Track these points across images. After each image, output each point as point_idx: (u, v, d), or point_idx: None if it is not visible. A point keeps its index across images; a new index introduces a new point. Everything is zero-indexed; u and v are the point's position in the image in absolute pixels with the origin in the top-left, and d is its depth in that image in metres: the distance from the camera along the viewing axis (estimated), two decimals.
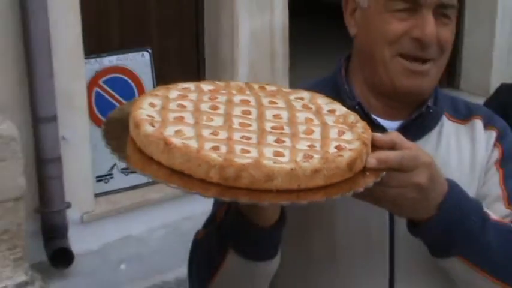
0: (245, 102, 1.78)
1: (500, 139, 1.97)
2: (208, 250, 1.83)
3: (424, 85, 1.88)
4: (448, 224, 1.69)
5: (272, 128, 1.67)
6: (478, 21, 6.39)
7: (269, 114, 1.73)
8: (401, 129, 1.88)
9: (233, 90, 1.83)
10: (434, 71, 1.88)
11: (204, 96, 1.78)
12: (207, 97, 1.78)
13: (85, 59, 4.69)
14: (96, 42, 4.89)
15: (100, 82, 4.84)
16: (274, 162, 1.52)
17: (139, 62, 4.93)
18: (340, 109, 1.79)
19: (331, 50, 5.56)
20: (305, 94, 1.86)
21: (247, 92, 1.84)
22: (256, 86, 1.88)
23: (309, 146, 1.61)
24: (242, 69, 5.08)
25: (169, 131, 1.60)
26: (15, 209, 4.18)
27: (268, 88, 1.88)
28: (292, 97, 1.84)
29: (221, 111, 1.72)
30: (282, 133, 1.65)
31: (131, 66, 4.94)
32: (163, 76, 5.06)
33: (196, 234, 1.90)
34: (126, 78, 4.93)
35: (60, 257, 4.55)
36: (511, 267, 1.78)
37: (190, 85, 1.85)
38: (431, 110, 1.93)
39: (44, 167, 4.51)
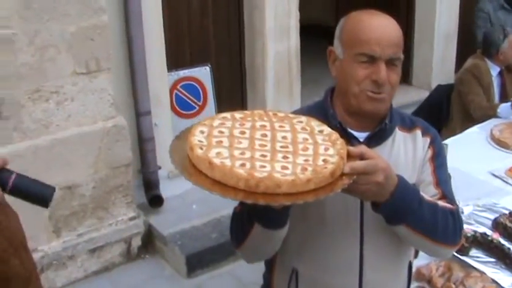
0: (263, 127, 1.80)
1: (432, 142, 2.04)
2: (241, 222, 1.88)
3: (381, 108, 1.93)
4: (397, 205, 1.78)
5: (281, 147, 1.71)
6: (423, 39, 6.49)
7: (279, 136, 1.77)
8: (368, 138, 1.97)
9: (256, 117, 1.84)
10: (388, 99, 1.93)
11: (236, 123, 1.80)
12: (238, 124, 1.80)
13: (168, 72, 4.77)
14: (175, 60, 4.94)
15: (178, 87, 4.95)
16: (282, 175, 1.58)
17: (203, 73, 5.04)
18: (327, 129, 1.82)
19: None
20: (303, 118, 1.87)
21: (265, 118, 1.85)
22: (271, 113, 1.89)
23: (305, 160, 1.66)
24: (270, 77, 5.11)
25: (212, 153, 1.64)
26: (126, 171, 4.34)
27: (279, 114, 1.89)
28: (295, 121, 1.85)
29: (247, 135, 1.75)
30: (287, 151, 1.70)
31: (198, 76, 5.03)
32: (219, 82, 5.09)
33: (235, 209, 1.93)
34: (195, 84, 5.03)
35: (155, 200, 4.65)
36: (437, 229, 1.87)
37: (227, 115, 1.84)
38: (387, 126, 1.98)
39: (143, 144, 4.65)
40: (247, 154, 1.65)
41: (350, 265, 1.98)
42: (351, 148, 1.74)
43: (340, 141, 1.75)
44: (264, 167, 1.60)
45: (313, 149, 1.71)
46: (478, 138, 4.11)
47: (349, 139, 1.90)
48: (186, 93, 4.92)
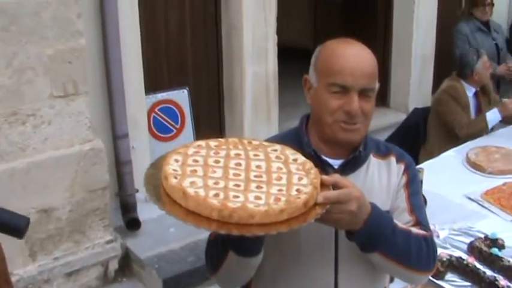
0: (238, 155, 1.80)
1: (407, 169, 2.04)
2: (216, 249, 1.88)
3: (354, 138, 1.93)
4: (370, 233, 1.78)
5: (255, 176, 1.71)
6: (399, 63, 6.56)
7: (253, 165, 1.76)
8: (342, 165, 1.98)
9: (230, 146, 1.84)
10: (362, 129, 1.93)
11: (211, 152, 1.80)
12: (213, 152, 1.80)
13: (146, 94, 4.75)
14: (153, 82, 4.96)
15: (156, 110, 4.94)
16: (255, 206, 1.58)
17: (181, 96, 5.05)
18: (301, 158, 1.82)
19: None
20: (277, 147, 1.87)
21: (240, 147, 1.85)
22: (245, 141, 1.88)
23: (278, 190, 1.66)
24: (247, 100, 5.13)
25: (186, 182, 1.63)
26: (103, 194, 4.31)
27: (254, 142, 1.88)
28: (269, 149, 1.85)
29: (221, 164, 1.75)
30: (260, 181, 1.69)
31: (176, 99, 5.04)
32: (196, 104, 5.10)
33: (210, 235, 1.92)
34: (173, 107, 5.03)
35: (133, 224, 4.63)
36: (410, 256, 1.87)
37: (202, 143, 1.84)
38: (361, 153, 1.99)
39: (121, 167, 4.62)
40: (221, 184, 1.65)
41: None
42: (325, 177, 1.74)
43: (314, 171, 1.75)
44: (238, 197, 1.60)
45: (286, 178, 1.71)
46: (453, 161, 4.14)
47: (324, 166, 1.91)
48: (164, 116, 4.92)
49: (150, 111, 4.85)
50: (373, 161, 2.03)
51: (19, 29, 3.72)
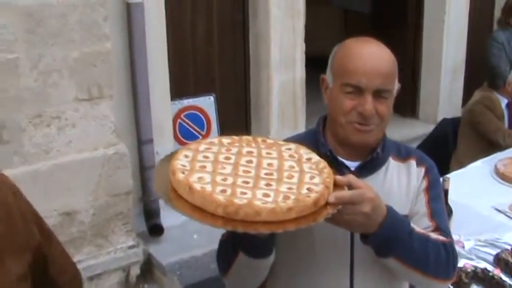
0: (250, 153, 1.76)
1: (427, 173, 2.00)
2: (226, 249, 1.85)
3: (369, 139, 1.89)
4: (385, 236, 1.73)
5: (265, 174, 1.67)
6: (429, 74, 6.44)
7: (265, 163, 1.72)
8: (359, 167, 1.94)
9: (243, 143, 1.81)
10: (377, 131, 1.90)
11: (222, 149, 1.76)
12: (225, 149, 1.76)
13: (173, 101, 4.74)
14: (179, 89, 4.93)
15: (182, 116, 4.91)
16: (262, 203, 1.53)
17: (207, 103, 5.01)
18: (315, 157, 1.78)
19: None
20: (292, 146, 1.84)
21: (253, 145, 1.81)
22: (259, 140, 1.85)
23: (288, 188, 1.62)
24: (274, 108, 5.08)
25: (194, 178, 1.60)
26: (126, 199, 4.28)
27: (268, 141, 1.85)
28: (283, 148, 1.81)
29: (232, 161, 1.71)
30: (271, 178, 1.65)
31: (202, 106, 5.00)
32: (223, 112, 5.05)
33: (222, 236, 1.89)
34: (198, 113, 4.99)
35: (155, 229, 4.58)
36: (428, 263, 1.81)
37: (215, 140, 1.82)
38: (379, 156, 1.93)
39: (144, 172, 4.57)
40: (230, 180, 1.62)
41: None
42: (338, 177, 1.70)
43: (327, 170, 1.71)
44: (245, 193, 1.56)
45: (298, 177, 1.67)
46: (482, 172, 4.03)
47: (340, 168, 1.86)
48: (190, 123, 4.89)
49: (175, 117, 4.82)
50: (392, 163, 1.97)
51: (45, 32, 3.71)
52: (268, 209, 1.50)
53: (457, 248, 2.90)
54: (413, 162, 1.99)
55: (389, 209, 1.73)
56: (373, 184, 1.86)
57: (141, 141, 4.41)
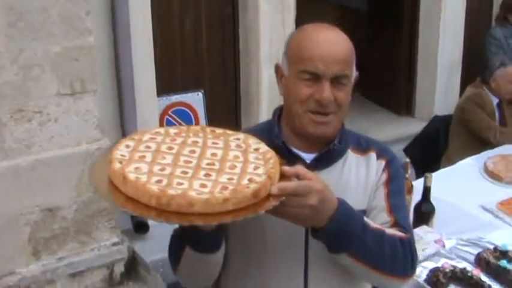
0: (195, 143, 1.69)
1: (388, 166, 1.90)
2: (175, 244, 1.80)
3: (327, 131, 1.82)
4: (336, 231, 1.65)
5: (206, 164, 1.60)
6: (425, 71, 6.32)
7: (209, 153, 1.65)
8: (315, 160, 1.86)
9: (190, 133, 1.74)
10: (335, 121, 1.82)
11: (167, 139, 1.69)
12: (169, 139, 1.69)
13: (159, 96, 4.68)
14: (167, 85, 4.84)
15: (170, 112, 4.84)
16: (197, 193, 1.46)
17: (195, 99, 4.93)
18: (263, 147, 1.70)
19: None
20: (241, 135, 1.76)
21: (200, 135, 1.74)
22: (208, 130, 1.77)
23: (228, 178, 1.54)
24: (264, 103, 4.98)
25: (130, 168, 1.53)
26: None
27: (217, 131, 1.77)
28: (231, 138, 1.73)
29: (174, 151, 1.64)
30: (211, 168, 1.58)
31: (190, 102, 4.91)
32: (212, 108, 4.97)
33: (173, 231, 1.84)
34: (187, 110, 4.90)
35: (141, 227, 4.49)
36: (383, 259, 1.72)
37: (161, 129, 1.75)
38: (335, 148, 1.85)
39: None
40: (167, 170, 1.55)
41: None
42: (286, 168, 1.62)
43: (273, 160, 1.62)
44: (181, 184, 1.50)
45: (241, 167, 1.59)
46: (471, 170, 3.93)
47: (294, 160, 1.77)
48: (178, 119, 4.80)
49: (163, 114, 4.74)
50: (350, 156, 1.89)
51: (26, 25, 3.64)
52: (202, 200, 1.44)
53: (436, 248, 2.85)
54: (373, 155, 1.90)
55: (341, 202, 1.65)
56: (330, 177, 1.80)
57: (126, 136, 4.31)
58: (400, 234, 1.76)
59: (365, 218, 1.72)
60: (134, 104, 4.29)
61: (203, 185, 1.50)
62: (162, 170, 1.54)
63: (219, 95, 5.15)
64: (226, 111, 5.22)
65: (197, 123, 4.86)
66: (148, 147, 1.63)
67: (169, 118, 4.77)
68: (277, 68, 1.88)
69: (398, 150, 4.86)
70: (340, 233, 1.64)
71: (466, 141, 4.63)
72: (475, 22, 6.43)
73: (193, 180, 1.51)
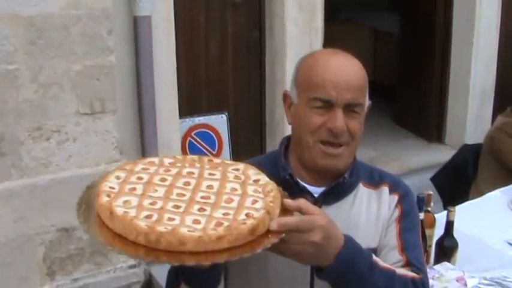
0: (190, 174, 1.55)
1: (401, 201, 1.77)
2: (170, 278, 1.66)
3: (338, 164, 1.70)
4: (342, 270, 1.50)
5: (201, 197, 1.46)
6: (457, 98, 6.09)
7: (204, 184, 1.51)
8: (324, 194, 1.74)
9: (186, 164, 1.60)
10: (347, 153, 1.70)
11: (161, 169, 1.55)
12: (163, 170, 1.55)
13: (182, 118, 4.58)
14: (191, 107, 4.76)
15: (192, 134, 4.71)
16: (189, 230, 1.33)
17: (219, 121, 4.79)
18: (264, 179, 1.56)
19: None
20: (240, 166, 1.61)
21: (197, 165, 1.60)
22: (206, 159, 1.64)
23: (224, 214, 1.40)
24: (289, 129, 4.76)
25: (119, 201, 1.41)
26: None
27: (215, 161, 1.63)
28: (230, 168, 1.59)
29: (167, 182, 1.50)
30: (206, 202, 1.44)
31: (214, 124, 4.78)
32: (236, 131, 4.86)
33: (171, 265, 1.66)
34: (210, 132, 4.77)
35: None
36: None
37: (155, 159, 1.60)
38: (345, 181, 1.72)
39: None
40: (159, 204, 1.42)
41: None
42: (288, 201, 1.48)
43: (273, 193, 1.48)
44: (173, 219, 1.36)
45: (238, 201, 1.45)
46: (498, 203, 3.71)
47: (302, 194, 1.63)
48: (201, 141, 4.69)
49: (186, 135, 4.63)
50: (362, 190, 1.76)
51: (46, 43, 3.59)
52: (194, 238, 1.31)
53: (459, 286, 2.66)
54: (385, 189, 1.78)
55: (347, 239, 1.51)
56: (339, 213, 1.67)
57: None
58: (412, 274, 1.62)
59: (374, 257, 1.57)
60: (155, 125, 4.19)
61: (196, 221, 1.37)
62: (153, 204, 1.42)
63: (244, 118, 5.03)
64: (251, 136, 5.09)
65: (220, 146, 4.75)
66: (140, 178, 1.51)
67: (192, 140, 4.66)
68: (285, 96, 1.76)
69: (427, 178, 4.68)
70: (346, 272, 1.50)
71: (496, 172, 4.40)
72: (510, 48, 6.21)
73: (185, 215, 1.39)
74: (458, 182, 4.54)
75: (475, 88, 5.92)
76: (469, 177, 4.60)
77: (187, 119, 4.62)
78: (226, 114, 4.76)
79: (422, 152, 6.06)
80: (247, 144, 5.04)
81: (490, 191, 3.98)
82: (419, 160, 5.79)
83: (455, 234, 2.96)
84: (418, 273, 1.63)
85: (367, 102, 1.71)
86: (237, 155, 4.81)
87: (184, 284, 1.55)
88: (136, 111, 4.19)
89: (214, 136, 4.73)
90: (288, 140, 1.81)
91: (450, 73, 6.05)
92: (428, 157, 5.90)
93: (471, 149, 4.72)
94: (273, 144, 5.02)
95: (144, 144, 4.20)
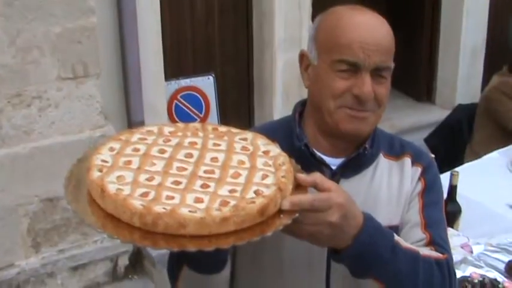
0: (193, 144, 1.40)
1: (424, 174, 1.63)
2: (172, 259, 1.55)
3: (363, 129, 1.55)
4: (361, 252, 1.36)
5: (205, 171, 1.31)
6: (447, 57, 5.93)
7: (208, 157, 1.36)
8: (342, 166, 1.59)
9: (188, 132, 1.45)
10: (373, 119, 1.56)
11: (160, 139, 1.40)
12: (163, 140, 1.41)
13: (168, 80, 4.40)
14: (177, 69, 4.59)
15: (178, 97, 4.54)
16: (190, 211, 1.18)
17: (206, 83, 4.62)
18: (274, 150, 1.41)
19: None
20: (249, 135, 1.46)
21: (200, 134, 1.45)
22: (210, 128, 1.48)
23: (230, 191, 1.25)
24: (278, 89, 4.69)
25: (112, 177, 1.26)
26: None
27: (220, 129, 1.48)
28: (237, 138, 1.44)
29: (167, 154, 1.35)
30: (209, 178, 1.29)
31: (200, 86, 4.60)
32: (223, 93, 4.70)
33: None
34: (197, 94, 4.60)
35: None
36: (415, 286, 1.43)
37: (154, 128, 1.45)
38: (366, 152, 1.58)
39: None
40: (156, 180, 1.27)
41: None
42: (302, 176, 1.33)
43: (286, 167, 1.33)
44: (172, 198, 1.21)
45: (246, 175, 1.30)
46: (497, 164, 3.62)
47: (319, 166, 1.49)
48: (187, 104, 4.52)
49: (172, 98, 4.46)
50: (382, 161, 1.63)
51: (24, 5, 3.39)
52: (195, 220, 1.16)
53: (464, 254, 2.57)
54: (407, 161, 1.63)
55: (367, 218, 1.37)
56: (358, 186, 1.55)
57: (132, 123, 4.03)
58: (436, 255, 1.49)
59: (396, 237, 1.44)
60: (140, 89, 4.01)
61: (198, 200, 1.22)
62: (150, 179, 1.27)
63: (231, 80, 4.87)
64: (238, 98, 4.93)
65: (207, 109, 4.59)
66: (137, 149, 1.36)
67: (179, 103, 4.50)
68: (302, 56, 1.60)
69: (418, 139, 4.57)
70: (366, 255, 1.36)
71: (492, 132, 4.31)
72: (501, 5, 6.07)
73: (186, 193, 1.23)
74: (452, 143, 4.45)
75: (466, 45, 5.79)
76: (464, 138, 4.50)
77: (173, 82, 4.44)
78: (213, 75, 4.59)
79: (412, 112, 5.95)
80: (235, 107, 4.89)
81: (485, 152, 3.89)
82: (410, 120, 5.68)
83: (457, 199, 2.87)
84: (442, 253, 1.51)
85: (392, 66, 1.57)
86: (225, 118, 4.67)
87: (187, 267, 1.43)
88: (120, 75, 4.00)
89: (201, 99, 4.57)
90: (302, 105, 1.66)
91: (440, 31, 5.91)
92: (419, 117, 5.80)
93: (465, 109, 4.62)
94: (261, 107, 4.88)
95: (130, 108, 4.03)
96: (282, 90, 4.71)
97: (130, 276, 4.08)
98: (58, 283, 3.84)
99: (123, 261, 4.03)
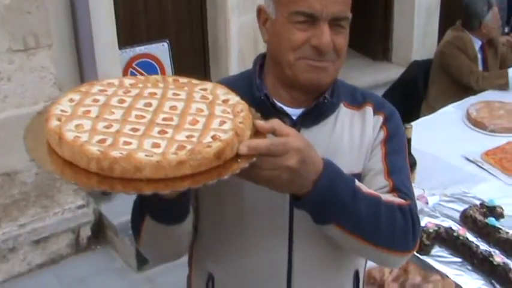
0: (152, 94, 1.40)
1: (386, 122, 1.62)
2: (135, 211, 1.51)
3: (323, 79, 1.53)
4: (321, 197, 1.36)
5: (163, 119, 1.32)
6: (402, 15, 6.01)
7: (167, 105, 1.37)
8: (303, 115, 1.59)
9: (148, 84, 1.45)
10: (332, 69, 1.53)
11: (120, 91, 1.40)
12: (123, 91, 1.40)
13: (123, 48, 4.40)
14: (131, 36, 4.59)
15: (134, 65, 4.54)
16: (146, 155, 1.19)
17: (160, 50, 4.62)
18: (233, 99, 1.41)
19: None
20: (208, 85, 1.47)
21: (160, 85, 1.45)
22: (171, 79, 1.48)
23: (187, 136, 1.27)
24: (234, 53, 4.70)
25: (70, 125, 1.26)
26: None
27: (181, 80, 1.48)
28: (197, 88, 1.44)
29: (126, 104, 1.36)
30: (167, 124, 1.30)
31: (155, 53, 4.60)
32: (179, 60, 4.70)
33: (136, 197, 1.52)
34: (152, 61, 4.60)
35: None
36: (379, 231, 1.44)
37: (115, 80, 1.45)
38: (326, 101, 1.57)
39: None
40: (114, 128, 1.27)
41: (276, 271, 1.60)
42: (259, 122, 1.34)
43: (243, 114, 1.35)
44: (129, 143, 1.23)
45: (204, 122, 1.32)
46: (452, 118, 3.72)
47: (278, 116, 1.48)
48: (142, 71, 4.51)
49: (127, 67, 4.45)
50: (344, 111, 1.62)
51: None
52: (151, 163, 1.18)
53: (420, 205, 2.64)
54: (369, 109, 1.63)
55: (327, 164, 1.37)
56: (319, 136, 1.55)
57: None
58: (399, 200, 1.50)
59: (357, 183, 1.44)
60: (94, 58, 3.99)
61: (155, 145, 1.23)
62: (108, 127, 1.28)
63: (186, 45, 4.86)
64: (194, 62, 4.94)
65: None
66: (96, 100, 1.36)
67: (134, 71, 4.49)
68: (260, 11, 1.59)
69: None
70: (327, 200, 1.37)
71: (447, 87, 4.40)
72: None
73: (144, 138, 1.25)
74: (409, 99, 4.53)
75: (421, 3, 5.86)
76: (420, 94, 4.59)
77: (127, 50, 4.43)
78: (168, 42, 4.58)
79: (369, 71, 6.03)
80: (191, 73, 4.85)
81: (441, 106, 3.98)
82: (367, 79, 5.74)
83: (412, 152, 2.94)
84: (405, 199, 1.52)
85: (350, 16, 1.58)
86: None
87: (149, 216, 1.43)
88: (73, 45, 3.97)
89: (156, 65, 4.56)
90: (262, 58, 1.65)
91: None
92: (377, 76, 5.88)
93: (421, 65, 4.70)
94: (217, 71, 4.90)
95: (84, 78, 4.00)
96: (237, 54, 4.73)
97: (93, 247, 4.11)
98: (20, 258, 3.85)
99: (86, 232, 4.05)
